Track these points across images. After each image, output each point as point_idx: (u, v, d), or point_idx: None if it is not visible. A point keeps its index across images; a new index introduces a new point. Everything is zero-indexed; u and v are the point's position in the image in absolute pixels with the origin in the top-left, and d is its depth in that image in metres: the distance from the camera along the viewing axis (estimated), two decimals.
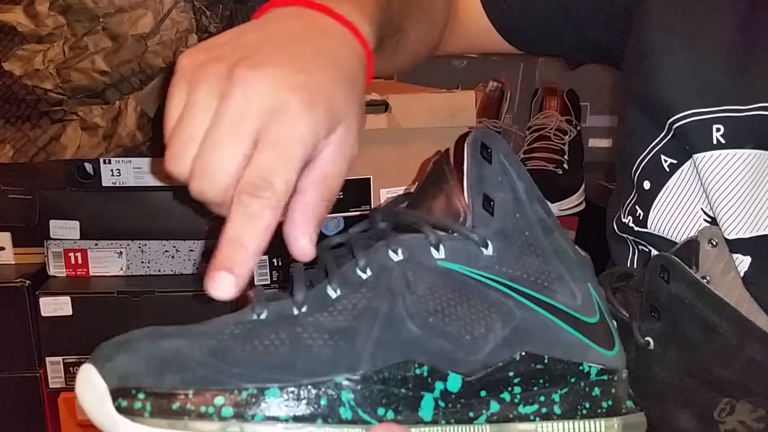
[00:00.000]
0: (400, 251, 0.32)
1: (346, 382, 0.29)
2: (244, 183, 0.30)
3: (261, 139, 0.30)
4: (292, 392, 0.28)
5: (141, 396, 0.27)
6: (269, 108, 0.30)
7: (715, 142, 0.42)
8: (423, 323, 0.30)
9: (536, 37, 0.57)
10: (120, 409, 0.27)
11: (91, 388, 0.28)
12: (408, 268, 0.32)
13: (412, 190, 0.37)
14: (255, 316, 0.30)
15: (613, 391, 0.33)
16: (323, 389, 0.28)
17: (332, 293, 0.31)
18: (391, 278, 0.31)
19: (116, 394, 0.27)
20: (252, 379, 0.28)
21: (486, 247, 0.32)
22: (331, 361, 0.29)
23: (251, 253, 0.29)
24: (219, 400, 0.27)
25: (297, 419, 0.28)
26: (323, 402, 0.28)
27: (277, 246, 1.01)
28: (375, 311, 0.30)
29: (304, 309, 0.30)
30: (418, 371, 0.30)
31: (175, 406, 0.27)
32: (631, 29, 0.48)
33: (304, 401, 0.28)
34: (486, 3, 0.55)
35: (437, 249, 0.32)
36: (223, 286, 0.29)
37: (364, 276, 0.31)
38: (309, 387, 0.28)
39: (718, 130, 0.42)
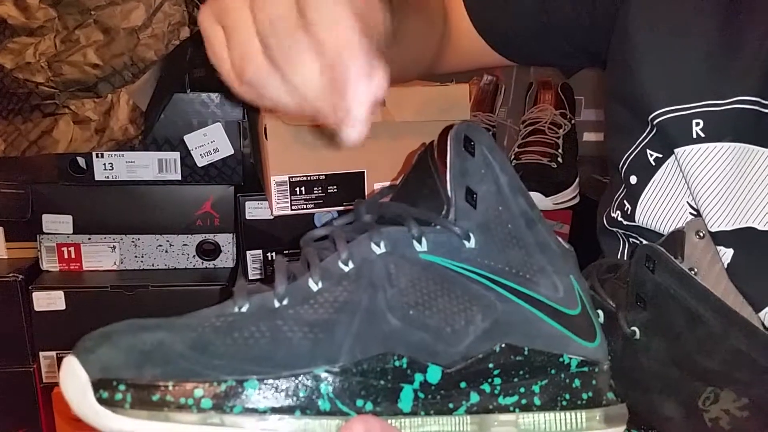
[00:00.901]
0: (382, 244, 0.32)
1: (324, 374, 0.29)
2: (325, 58, 0.29)
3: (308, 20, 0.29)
4: (271, 384, 0.28)
5: (122, 388, 0.28)
6: None
7: (694, 136, 0.42)
8: (403, 316, 0.30)
9: (528, 49, 0.57)
10: (101, 401, 0.28)
11: (74, 379, 0.28)
12: (390, 260, 0.32)
13: (398, 183, 0.37)
14: (236, 309, 0.30)
15: (594, 382, 0.33)
16: (302, 381, 0.29)
17: (313, 286, 0.31)
18: (373, 271, 0.31)
19: (98, 385, 0.28)
20: (231, 371, 0.28)
21: (468, 239, 0.32)
22: (311, 353, 0.29)
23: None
24: (198, 391, 0.28)
25: (276, 411, 0.28)
26: (302, 394, 0.28)
27: (272, 241, 1.00)
28: (356, 304, 0.30)
29: (285, 302, 0.31)
30: (397, 363, 0.30)
31: (155, 397, 0.27)
32: (615, 29, 0.49)
33: (282, 393, 0.28)
34: (474, 20, 0.56)
35: (419, 242, 0.32)
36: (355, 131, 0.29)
37: (346, 269, 0.31)
38: (288, 379, 0.28)
39: (697, 124, 0.42)
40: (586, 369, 0.33)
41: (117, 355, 0.28)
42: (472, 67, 0.63)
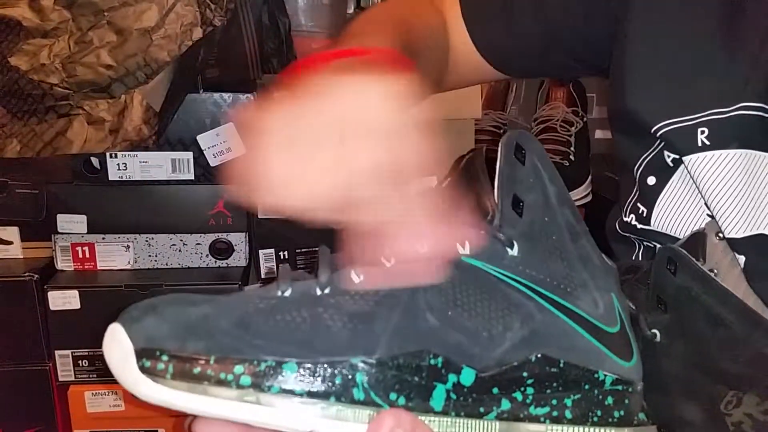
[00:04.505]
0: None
1: (361, 364, 0.29)
2: None
3: None
4: (309, 368, 0.29)
5: (164, 358, 0.28)
6: None
7: (700, 144, 0.42)
8: (442, 316, 0.30)
9: (529, 65, 0.57)
10: (143, 369, 0.28)
11: (118, 346, 0.28)
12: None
13: (443, 185, 0.37)
14: (279, 293, 0.31)
15: (627, 402, 0.33)
16: (339, 369, 0.29)
17: (355, 278, 0.31)
18: None
19: (141, 354, 0.28)
20: (272, 351, 0.28)
21: (511, 247, 0.32)
22: (349, 342, 0.29)
23: None
24: (238, 368, 0.28)
25: (311, 395, 0.28)
26: (338, 381, 0.29)
27: (284, 240, 1.01)
28: (396, 299, 0.30)
29: (327, 291, 0.31)
30: (432, 361, 0.30)
31: (196, 370, 0.28)
32: (615, 42, 0.49)
33: (319, 378, 0.29)
34: (476, 40, 0.55)
35: (462, 245, 0.32)
36: None
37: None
38: (325, 365, 0.29)
39: (702, 132, 0.42)
40: (620, 387, 0.33)
41: (162, 326, 0.28)
42: (471, 84, 0.63)
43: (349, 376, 0.29)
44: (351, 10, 1.10)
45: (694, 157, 0.43)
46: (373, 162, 0.30)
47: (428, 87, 0.54)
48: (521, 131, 0.34)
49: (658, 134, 0.44)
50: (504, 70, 0.57)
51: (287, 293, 0.31)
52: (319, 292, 0.31)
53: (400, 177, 0.31)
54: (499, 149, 0.33)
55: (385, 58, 0.37)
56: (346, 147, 0.30)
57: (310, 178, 0.30)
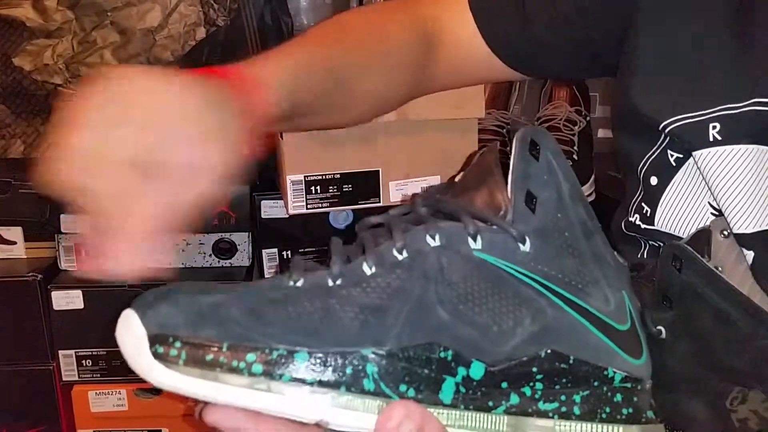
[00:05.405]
0: (437, 237, 0.32)
1: (372, 356, 0.29)
2: None
3: None
4: (320, 358, 0.29)
5: (177, 344, 0.28)
6: None
7: (711, 139, 0.42)
8: (453, 310, 0.31)
9: (542, 63, 0.57)
10: (156, 355, 0.28)
11: (131, 332, 0.29)
12: (444, 254, 0.32)
13: (456, 180, 0.37)
14: (291, 283, 0.31)
15: (635, 399, 0.33)
16: (349, 359, 0.29)
17: (367, 270, 0.31)
18: (426, 263, 0.32)
19: (154, 340, 0.28)
20: (283, 340, 0.29)
21: (524, 242, 0.32)
22: (360, 333, 0.30)
23: None
24: (251, 356, 0.28)
25: (322, 384, 0.29)
26: (348, 371, 0.29)
27: (287, 239, 1.01)
28: (407, 293, 0.31)
29: (338, 282, 0.31)
30: (442, 354, 0.30)
31: (209, 357, 0.28)
32: (624, 39, 0.48)
33: (330, 368, 0.29)
34: (488, 36, 0.55)
35: (474, 239, 0.32)
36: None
37: (399, 257, 0.32)
38: (336, 355, 0.29)
39: (714, 127, 0.42)
40: (629, 385, 0.33)
41: (175, 313, 0.29)
42: (474, 82, 0.64)
43: (360, 367, 0.29)
44: None
45: (705, 152, 0.43)
46: (134, 150, 0.33)
47: (363, 108, 0.56)
48: (536, 127, 0.34)
49: (666, 130, 0.44)
50: (517, 68, 0.57)
51: (299, 283, 0.31)
52: (331, 283, 0.31)
53: (161, 171, 0.33)
54: (514, 145, 0.33)
55: (236, 79, 0.40)
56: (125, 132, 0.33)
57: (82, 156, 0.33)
